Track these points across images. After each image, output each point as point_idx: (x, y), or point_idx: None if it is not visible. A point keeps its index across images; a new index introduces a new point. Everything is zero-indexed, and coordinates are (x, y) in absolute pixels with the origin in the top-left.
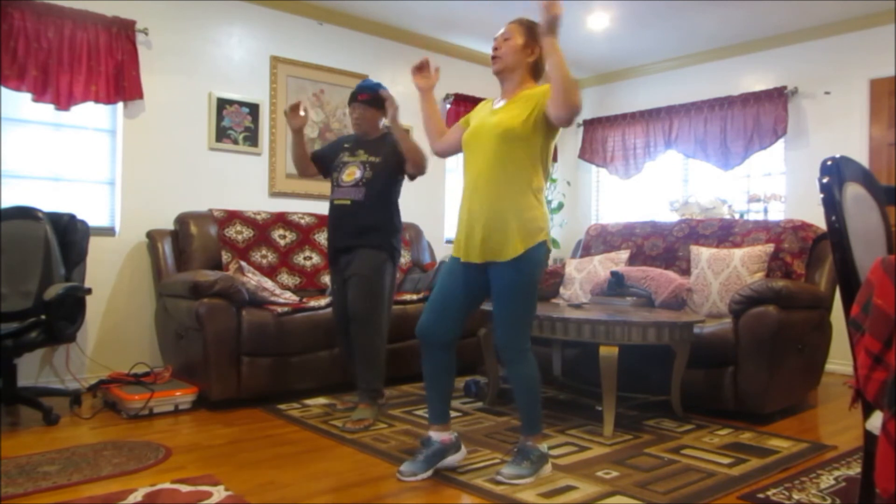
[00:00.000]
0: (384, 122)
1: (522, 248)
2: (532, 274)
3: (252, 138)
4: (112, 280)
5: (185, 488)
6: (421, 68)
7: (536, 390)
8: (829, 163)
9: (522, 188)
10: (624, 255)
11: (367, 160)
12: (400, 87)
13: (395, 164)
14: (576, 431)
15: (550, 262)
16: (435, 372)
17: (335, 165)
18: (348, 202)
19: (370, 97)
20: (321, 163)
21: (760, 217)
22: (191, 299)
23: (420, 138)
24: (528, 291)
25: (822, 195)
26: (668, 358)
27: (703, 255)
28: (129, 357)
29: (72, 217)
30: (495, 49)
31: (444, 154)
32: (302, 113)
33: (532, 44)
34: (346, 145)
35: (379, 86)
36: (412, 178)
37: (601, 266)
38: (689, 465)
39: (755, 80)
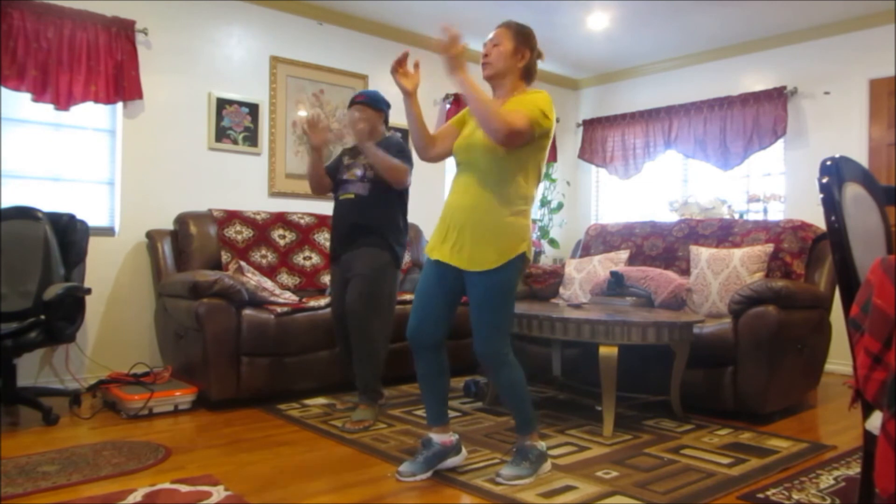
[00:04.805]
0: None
1: (502, 259)
2: (509, 283)
3: (252, 138)
4: (112, 280)
5: (184, 488)
6: (401, 63)
7: (524, 391)
8: (828, 163)
9: (509, 200)
10: (623, 255)
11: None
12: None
13: None
14: (575, 431)
15: (550, 262)
16: (429, 374)
17: (340, 170)
18: (352, 196)
19: (368, 98)
20: (332, 174)
21: (760, 217)
22: (190, 299)
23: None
24: (507, 300)
25: (821, 195)
26: (667, 358)
27: (702, 255)
28: (129, 357)
29: (71, 217)
30: (485, 56)
31: (436, 160)
32: (325, 127)
33: (522, 48)
34: (347, 151)
35: (376, 94)
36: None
37: (601, 266)
38: (688, 465)
39: (755, 80)
